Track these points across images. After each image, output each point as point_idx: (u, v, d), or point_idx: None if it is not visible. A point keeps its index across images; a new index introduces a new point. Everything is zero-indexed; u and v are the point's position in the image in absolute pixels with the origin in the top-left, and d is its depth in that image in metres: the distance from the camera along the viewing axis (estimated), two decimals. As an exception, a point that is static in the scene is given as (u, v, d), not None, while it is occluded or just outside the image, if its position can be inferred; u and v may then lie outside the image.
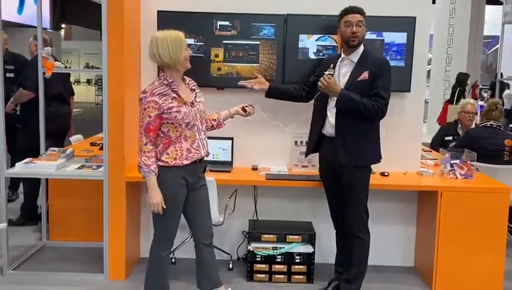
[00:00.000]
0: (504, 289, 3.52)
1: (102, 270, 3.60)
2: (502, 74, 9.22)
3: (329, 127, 3.19)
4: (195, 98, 2.95)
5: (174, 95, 2.85)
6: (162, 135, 2.87)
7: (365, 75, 3.11)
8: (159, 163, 2.86)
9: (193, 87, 3.01)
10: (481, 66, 11.31)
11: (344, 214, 3.25)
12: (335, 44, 3.70)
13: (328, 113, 3.19)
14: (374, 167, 3.66)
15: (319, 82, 3.14)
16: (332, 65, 3.21)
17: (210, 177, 3.36)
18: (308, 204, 3.87)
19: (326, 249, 3.82)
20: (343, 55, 3.23)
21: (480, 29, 11.12)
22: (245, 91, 3.73)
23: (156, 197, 2.84)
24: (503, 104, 8.89)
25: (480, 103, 10.28)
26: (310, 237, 3.60)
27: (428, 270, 3.60)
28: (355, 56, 3.18)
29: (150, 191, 2.86)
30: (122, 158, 3.50)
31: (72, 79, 11.62)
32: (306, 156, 3.46)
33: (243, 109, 3.25)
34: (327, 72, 3.15)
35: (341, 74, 3.20)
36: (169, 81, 2.86)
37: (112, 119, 3.48)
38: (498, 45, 9.70)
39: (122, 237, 3.55)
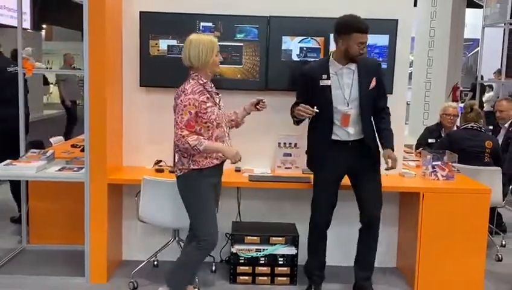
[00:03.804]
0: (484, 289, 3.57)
1: (83, 273, 3.55)
2: (482, 76, 9.35)
3: (343, 133, 3.24)
4: (219, 101, 3.06)
5: (208, 95, 2.95)
6: (194, 132, 2.92)
7: (373, 83, 3.23)
8: (191, 165, 2.94)
9: (216, 91, 3.09)
10: (462, 69, 11.46)
11: (365, 206, 3.32)
12: (318, 46, 3.71)
13: (336, 121, 3.22)
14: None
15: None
16: (325, 76, 3.20)
17: (193, 179, 3.34)
18: (292, 205, 3.87)
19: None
20: (339, 65, 3.21)
21: (461, 32, 11.26)
22: (229, 93, 3.72)
23: (230, 152, 2.98)
24: (483, 107, 9.02)
25: (461, 105, 10.42)
26: (293, 239, 3.60)
27: (410, 271, 3.63)
28: (352, 64, 3.21)
29: (221, 151, 2.98)
30: (104, 160, 3.46)
31: (53, 80, 11.50)
32: (312, 163, 3.41)
33: (256, 105, 3.26)
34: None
35: (345, 84, 3.21)
36: (204, 81, 2.97)
37: (94, 120, 3.43)
38: (478, 48, 9.84)
39: (103, 240, 3.51)
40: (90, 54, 3.37)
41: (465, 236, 3.50)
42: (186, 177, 3.00)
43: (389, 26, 3.68)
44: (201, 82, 2.95)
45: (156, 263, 3.82)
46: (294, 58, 3.72)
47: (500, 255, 4.20)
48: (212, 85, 3.06)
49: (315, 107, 3.13)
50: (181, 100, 2.88)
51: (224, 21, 3.68)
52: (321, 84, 3.20)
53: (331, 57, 3.27)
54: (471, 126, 4.41)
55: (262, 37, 3.69)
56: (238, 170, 3.79)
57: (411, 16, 3.85)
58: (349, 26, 3.14)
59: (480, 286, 3.55)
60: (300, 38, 3.71)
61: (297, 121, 3.35)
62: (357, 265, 3.48)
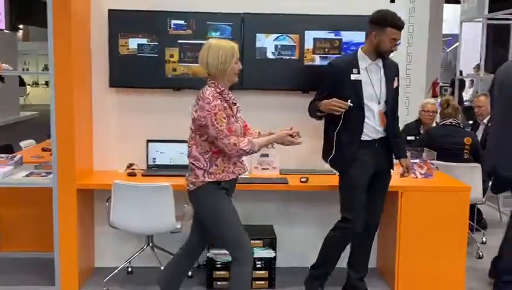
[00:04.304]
0: (466, 287, 3.53)
1: (53, 282, 3.41)
2: (461, 71, 9.37)
3: (372, 132, 3.14)
4: (236, 112, 2.83)
5: (226, 104, 2.73)
6: (211, 142, 2.72)
7: (396, 83, 3.19)
8: (207, 178, 2.72)
9: (234, 101, 2.85)
10: (441, 64, 11.51)
11: (370, 209, 3.21)
12: (293, 43, 3.62)
13: (367, 120, 3.11)
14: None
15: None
16: (356, 71, 3.08)
17: (165, 183, 3.23)
18: (269, 207, 3.78)
19: (288, 252, 3.75)
20: (369, 60, 3.11)
21: (439, 28, 11.31)
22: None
23: (282, 138, 2.83)
24: (462, 102, 9.04)
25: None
26: (271, 241, 3.51)
27: (390, 271, 3.56)
28: (379, 60, 3.14)
29: (273, 141, 2.86)
30: (72, 164, 3.33)
31: (30, 81, 11.23)
32: (340, 163, 3.19)
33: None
34: None
35: (374, 80, 3.12)
36: (221, 89, 2.75)
37: (60, 124, 3.30)
38: (458, 43, 9.84)
39: (73, 247, 3.38)
40: (55, 54, 3.24)
41: (445, 235, 3.44)
42: (202, 191, 2.75)
43: (365, 23, 3.58)
44: (218, 90, 2.72)
45: (130, 269, 3.70)
46: (270, 56, 3.63)
47: (480, 253, 4.17)
48: (230, 94, 2.82)
49: (349, 101, 3.02)
50: (208, 110, 2.64)
51: (196, 18, 3.56)
52: (352, 78, 3.07)
53: (359, 51, 3.15)
54: (450, 122, 4.37)
55: (236, 34, 3.58)
56: (213, 172, 3.68)
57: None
58: (384, 20, 3.04)
59: (461, 284, 3.51)
60: (275, 35, 3.61)
61: (320, 116, 3.19)
62: (350, 266, 3.41)
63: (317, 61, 3.64)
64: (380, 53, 3.09)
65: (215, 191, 2.76)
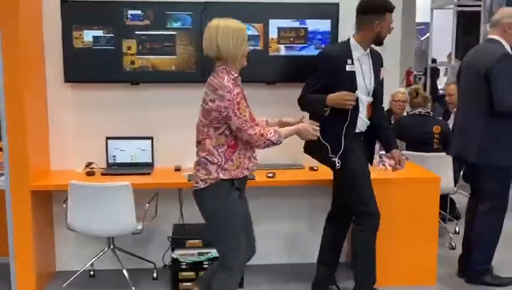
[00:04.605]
0: (437, 276, 3.49)
1: (9, 288, 3.24)
2: (435, 59, 9.36)
3: (362, 125, 3.04)
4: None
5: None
6: (227, 135, 2.50)
7: (382, 73, 3.08)
8: (220, 175, 2.48)
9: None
10: (415, 53, 11.51)
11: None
12: (257, 33, 3.49)
13: (360, 113, 3.00)
14: (302, 161, 3.51)
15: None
16: (350, 61, 2.94)
17: (124, 182, 3.08)
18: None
19: (258, 250, 3.63)
20: (362, 50, 2.98)
21: (413, 16, 11.30)
22: (162, 86, 3.49)
23: (306, 131, 2.62)
24: (437, 91, 9.02)
25: (416, 89, 10.46)
26: (238, 239, 3.38)
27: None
28: (369, 50, 3.03)
29: (298, 132, 2.63)
30: (26, 165, 3.15)
31: None
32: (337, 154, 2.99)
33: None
34: None
35: (365, 71, 2.99)
36: (235, 76, 2.51)
37: (11, 122, 3.10)
38: (429, 32, 9.82)
39: (29, 251, 3.20)
40: (2, 47, 3.03)
41: (415, 226, 3.38)
42: (213, 189, 2.50)
43: (330, 11, 3.49)
44: (232, 77, 2.48)
45: (92, 273, 3.54)
46: (232, 46, 3.48)
47: (453, 243, 4.11)
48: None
49: (356, 92, 2.90)
50: (229, 99, 2.40)
51: (154, 8, 3.40)
52: (347, 69, 2.93)
53: (352, 40, 3.00)
54: (419, 112, 4.29)
55: (196, 24, 3.43)
56: (178, 169, 3.54)
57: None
58: (383, 6, 2.92)
59: (433, 274, 3.47)
60: (238, 25, 3.47)
61: (325, 112, 2.95)
62: (322, 262, 3.30)
63: (283, 51, 3.52)
64: (380, 40, 2.97)
65: (228, 192, 2.52)
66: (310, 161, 3.30)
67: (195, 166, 2.59)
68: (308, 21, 3.49)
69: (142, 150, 3.56)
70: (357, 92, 2.91)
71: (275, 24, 3.48)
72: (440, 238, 4.14)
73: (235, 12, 3.41)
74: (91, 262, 3.42)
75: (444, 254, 3.90)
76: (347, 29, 3.61)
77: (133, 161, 3.54)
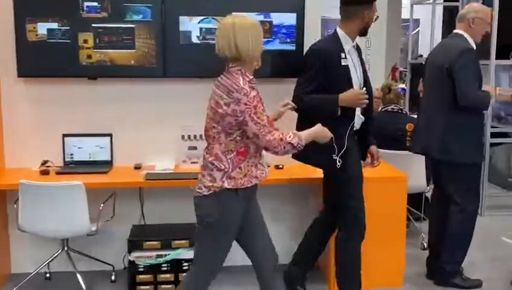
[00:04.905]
0: (407, 277, 3.41)
1: (-39, 292, 3.12)
2: (421, 55, 9.26)
3: (358, 122, 2.92)
4: None
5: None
6: (237, 141, 2.31)
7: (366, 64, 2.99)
8: (225, 184, 2.29)
9: None
10: (402, 49, 11.44)
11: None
12: (220, 26, 3.35)
13: (357, 110, 2.87)
14: (268, 159, 3.41)
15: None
16: (343, 55, 2.79)
17: (76, 181, 2.94)
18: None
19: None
20: (351, 42, 2.84)
21: (398, 12, 11.21)
22: (122, 81, 3.36)
23: (324, 134, 2.46)
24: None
25: (401, 85, 10.36)
26: (198, 241, 3.25)
27: (326, 265, 3.37)
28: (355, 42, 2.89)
29: (316, 135, 2.44)
30: (-25, 163, 3.01)
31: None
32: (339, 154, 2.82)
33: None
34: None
35: (356, 64, 2.86)
36: (250, 78, 2.32)
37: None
38: (419, 27, 9.71)
39: (-19, 254, 3.08)
40: None
41: (382, 226, 3.26)
42: (216, 197, 2.32)
43: (296, 4, 3.37)
44: (247, 79, 2.29)
45: (48, 275, 3.41)
46: (195, 40, 3.35)
47: (425, 243, 4.00)
48: None
49: (364, 89, 2.78)
50: (246, 102, 2.21)
51: (112, 0, 3.25)
52: (342, 63, 2.77)
53: (340, 32, 2.84)
54: (392, 108, 4.19)
55: (156, 17, 3.29)
56: (138, 167, 3.41)
57: (320, -8, 3.53)
58: None
59: (400, 274, 3.38)
60: (200, 18, 3.34)
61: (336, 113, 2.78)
62: (295, 263, 3.21)
63: (247, 45, 3.38)
64: (366, 30, 2.86)
65: (232, 201, 2.34)
66: (275, 158, 3.18)
67: (201, 169, 2.42)
68: (273, 14, 3.37)
69: (101, 148, 3.42)
70: (363, 89, 2.78)
71: (238, 17, 3.35)
72: (413, 238, 4.08)
73: (196, 4, 3.35)
74: (45, 264, 3.29)
75: (415, 253, 3.82)
76: (314, 23, 3.53)
77: (91, 159, 3.41)
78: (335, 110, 2.74)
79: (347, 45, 2.84)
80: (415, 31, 15.02)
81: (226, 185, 2.30)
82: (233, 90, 2.24)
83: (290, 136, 2.31)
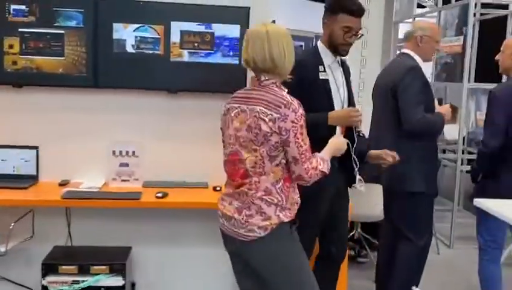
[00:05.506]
0: None
1: None
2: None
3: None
4: None
5: None
6: (283, 167, 2.04)
7: (351, 85, 2.73)
8: (282, 217, 2.02)
9: None
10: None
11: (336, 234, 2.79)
12: (157, 36, 3.12)
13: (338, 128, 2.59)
14: (208, 179, 3.21)
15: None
16: (322, 68, 2.55)
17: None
18: (127, 225, 3.25)
19: (152, 278, 3.26)
20: (332, 57, 2.58)
21: (396, 29, 11.02)
22: (49, 90, 3.14)
23: (337, 144, 2.25)
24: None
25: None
26: (120, 267, 2.99)
27: None
28: (338, 58, 2.63)
29: (335, 153, 2.23)
30: None
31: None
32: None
33: None
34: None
35: (338, 80, 2.60)
36: (286, 91, 2.08)
37: None
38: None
39: None
40: None
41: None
42: (277, 234, 2.02)
43: (240, 15, 3.13)
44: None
45: None
46: (129, 49, 3.12)
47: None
48: None
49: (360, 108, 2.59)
50: (293, 120, 1.96)
51: (40, 3, 3.03)
52: (321, 76, 2.53)
53: (320, 45, 2.61)
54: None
55: (88, 23, 3.07)
56: (64, 184, 3.17)
57: (267, 4, 3.28)
58: (336, 4, 2.51)
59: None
60: (136, 26, 3.11)
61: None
62: None
63: (186, 57, 3.15)
64: (334, 47, 2.54)
65: (292, 237, 2.08)
66: (216, 179, 2.95)
67: (240, 211, 2.06)
68: (214, 25, 3.13)
69: (26, 161, 3.18)
70: (358, 106, 2.56)
71: (177, 27, 3.12)
72: (368, 269, 3.81)
73: (132, 11, 3.12)
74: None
75: (367, 286, 3.54)
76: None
77: (15, 173, 3.17)
78: (327, 131, 2.47)
79: (327, 58, 2.58)
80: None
81: (283, 218, 2.03)
82: (281, 104, 1.97)
83: (322, 164, 2.08)
